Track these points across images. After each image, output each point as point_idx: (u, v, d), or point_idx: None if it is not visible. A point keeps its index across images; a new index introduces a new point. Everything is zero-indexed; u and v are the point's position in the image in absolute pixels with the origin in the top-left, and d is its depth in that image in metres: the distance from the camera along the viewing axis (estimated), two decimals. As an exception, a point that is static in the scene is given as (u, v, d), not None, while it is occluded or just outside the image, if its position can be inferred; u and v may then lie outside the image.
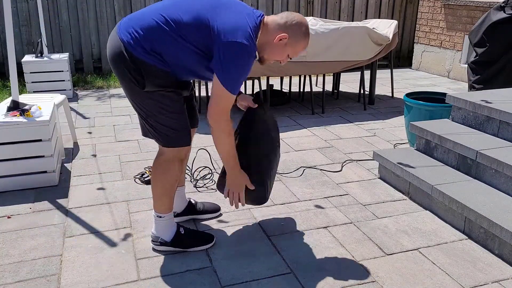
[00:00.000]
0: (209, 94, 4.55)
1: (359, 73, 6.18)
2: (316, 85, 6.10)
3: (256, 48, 1.97)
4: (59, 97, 3.64)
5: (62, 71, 5.29)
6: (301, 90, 5.69)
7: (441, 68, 6.83)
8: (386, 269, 2.19)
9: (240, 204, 2.28)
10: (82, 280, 2.09)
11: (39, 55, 5.35)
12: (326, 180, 3.19)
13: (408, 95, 3.79)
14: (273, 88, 5.26)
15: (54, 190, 2.98)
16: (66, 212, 2.71)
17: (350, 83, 6.30)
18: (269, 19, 2.05)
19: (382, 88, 5.94)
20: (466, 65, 5.29)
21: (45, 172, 3.01)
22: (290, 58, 2.13)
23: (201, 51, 1.96)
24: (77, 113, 4.77)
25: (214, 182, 3.12)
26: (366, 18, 7.28)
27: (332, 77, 5.92)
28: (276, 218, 2.66)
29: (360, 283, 2.09)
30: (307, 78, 5.47)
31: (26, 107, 3.02)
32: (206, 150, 3.59)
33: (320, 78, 6.34)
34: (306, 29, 2.06)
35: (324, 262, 2.25)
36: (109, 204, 2.80)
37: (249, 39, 1.91)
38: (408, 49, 7.65)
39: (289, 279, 2.11)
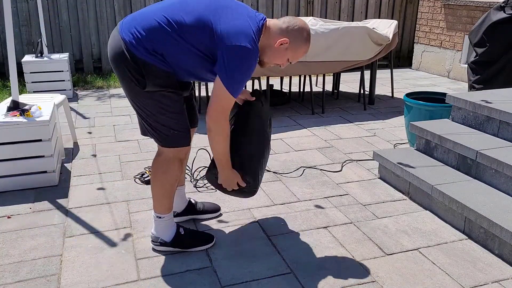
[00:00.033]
0: (209, 94, 4.55)
1: (359, 73, 6.18)
2: (316, 85, 6.09)
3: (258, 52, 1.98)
4: (59, 97, 3.64)
5: (62, 71, 5.29)
6: (301, 90, 5.68)
7: (441, 68, 6.83)
8: (386, 269, 2.19)
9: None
10: (82, 280, 2.09)
11: (39, 55, 5.35)
12: (326, 180, 3.19)
13: (408, 95, 3.79)
14: (273, 88, 5.26)
15: (54, 190, 2.98)
16: (66, 212, 2.71)
17: (350, 83, 6.30)
18: (271, 23, 2.06)
19: (382, 88, 5.94)
20: (466, 65, 5.29)
21: (45, 172, 3.01)
22: (290, 63, 2.14)
23: (202, 53, 1.96)
24: (77, 113, 4.77)
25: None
26: (366, 18, 7.28)
27: (332, 77, 5.92)
28: (276, 218, 2.66)
29: (360, 283, 2.09)
30: (307, 78, 5.47)
31: (26, 107, 3.02)
32: (206, 150, 3.59)
33: (320, 78, 6.33)
34: (307, 34, 2.07)
35: (324, 262, 2.25)
36: (109, 204, 2.80)
37: (252, 43, 1.91)
38: (408, 49, 7.65)
39: (289, 279, 2.11)
